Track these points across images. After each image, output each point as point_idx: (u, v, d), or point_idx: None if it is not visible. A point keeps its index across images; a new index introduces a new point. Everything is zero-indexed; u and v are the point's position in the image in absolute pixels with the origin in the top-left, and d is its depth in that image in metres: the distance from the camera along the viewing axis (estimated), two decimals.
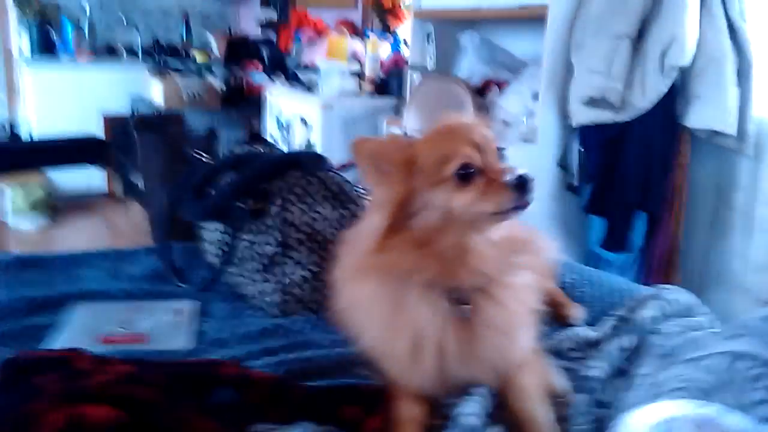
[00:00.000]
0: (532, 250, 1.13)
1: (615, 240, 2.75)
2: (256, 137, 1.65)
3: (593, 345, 1.23)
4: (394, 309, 1.02)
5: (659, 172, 2.62)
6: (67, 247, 4.54)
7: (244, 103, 5.08)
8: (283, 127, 3.97)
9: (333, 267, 1.13)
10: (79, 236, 4.70)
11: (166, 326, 1.32)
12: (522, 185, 0.93)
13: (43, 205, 4.89)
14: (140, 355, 1.17)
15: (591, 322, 1.34)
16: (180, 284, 1.51)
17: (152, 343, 1.25)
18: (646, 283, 2.80)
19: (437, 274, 0.98)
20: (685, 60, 2.38)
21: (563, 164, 2.86)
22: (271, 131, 4.22)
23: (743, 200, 2.52)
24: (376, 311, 1.05)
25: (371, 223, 1.01)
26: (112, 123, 5.23)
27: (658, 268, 2.76)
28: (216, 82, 5.03)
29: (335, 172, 1.42)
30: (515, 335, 1.05)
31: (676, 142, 2.61)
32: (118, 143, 5.06)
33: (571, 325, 1.32)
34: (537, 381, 1.07)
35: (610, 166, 2.66)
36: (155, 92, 4.98)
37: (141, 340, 1.25)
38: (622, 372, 1.15)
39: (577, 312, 1.35)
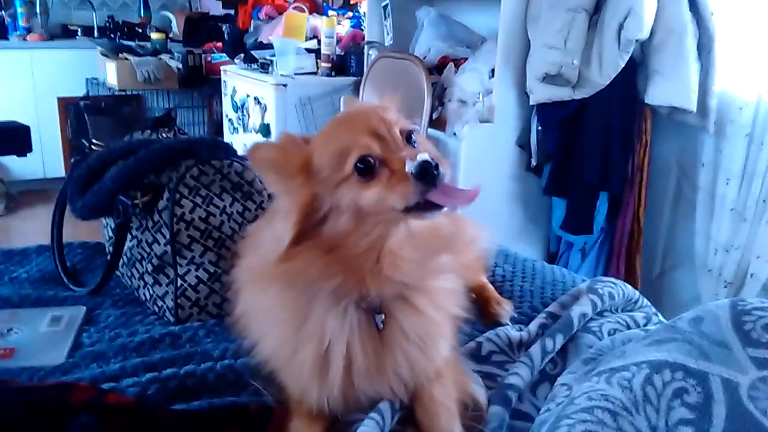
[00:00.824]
0: (457, 247, 0.99)
1: (576, 222, 2.66)
2: (162, 121, 1.47)
3: (518, 346, 1.12)
4: (299, 317, 0.90)
5: (620, 152, 2.52)
6: (22, 237, 4.41)
7: (204, 83, 4.91)
8: (239, 108, 3.82)
9: (233, 266, 1.00)
10: (34, 225, 4.53)
11: (40, 338, 1.19)
12: (425, 173, 0.78)
13: None
14: (1, 372, 1.05)
15: (520, 320, 1.23)
16: (73, 288, 1.37)
17: (19, 357, 1.12)
18: (607, 265, 2.79)
19: (345, 282, 0.86)
20: (643, 33, 2.27)
21: (522, 144, 2.76)
22: (227, 113, 4.07)
23: (706, 178, 2.43)
24: (279, 319, 0.93)
25: (276, 233, 0.88)
26: (67, 106, 5.05)
27: (620, 249, 2.68)
28: (174, 62, 4.84)
29: (237, 161, 1.28)
30: (431, 346, 0.93)
31: (636, 120, 2.51)
32: (73, 127, 4.89)
33: (498, 324, 1.21)
34: (450, 393, 0.96)
35: (569, 146, 2.57)
36: (110, 73, 4.79)
37: (6, 356, 1.12)
38: (546, 377, 1.04)
39: (504, 309, 1.24)
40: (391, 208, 0.82)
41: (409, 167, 0.80)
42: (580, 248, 2.76)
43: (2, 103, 4.90)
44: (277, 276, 0.89)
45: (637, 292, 1.26)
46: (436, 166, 0.79)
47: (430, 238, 0.90)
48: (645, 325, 1.15)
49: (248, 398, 0.98)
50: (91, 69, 5.17)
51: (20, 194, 4.92)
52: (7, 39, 5.13)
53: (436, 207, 0.81)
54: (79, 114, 4.70)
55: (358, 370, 0.90)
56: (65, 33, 5.55)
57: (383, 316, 0.90)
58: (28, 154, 2.27)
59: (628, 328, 1.13)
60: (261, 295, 0.94)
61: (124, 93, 4.82)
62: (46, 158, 5.07)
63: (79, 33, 5.55)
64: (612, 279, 1.27)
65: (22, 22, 5.16)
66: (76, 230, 1.38)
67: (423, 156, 0.80)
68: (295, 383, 0.95)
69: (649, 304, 1.26)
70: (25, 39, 5.13)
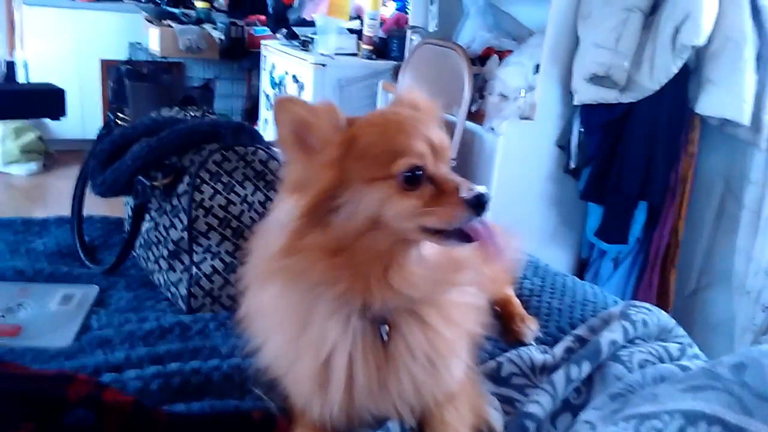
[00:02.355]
0: (477, 263, 0.93)
1: (612, 230, 2.57)
2: (189, 100, 1.42)
3: (541, 370, 1.06)
4: (300, 322, 0.85)
5: (664, 160, 2.42)
6: (57, 195, 4.46)
7: (245, 56, 4.87)
8: (277, 84, 3.78)
9: (244, 262, 0.94)
10: (69, 184, 4.54)
11: (48, 317, 1.16)
12: (480, 205, 0.76)
13: (36, 150, 4.77)
14: (4, 352, 1.03)
15: (545, 340, 1.16)
16: (88, 265, 1.34)
17: (25, 337, 1.10)
18: (639, 277, 2.69)
19: (349, 288, 0.80)
20: (700, 39, 2.16)
21: (562, 145, 2.67)
22: (264, 88, 4.03)
23: (753, 196, 2.32)
24: (280, 323, 0.88)
25: (282, 212, 0.83)
26: (109, 68, 5.07)
27: (655, 262, 2.58)
28: (216, 32, 4.81)
29: (263, 148, 1.23)
30: (440, 367, 0.87)
31: (684, 129, 2.41)
32: (113, 90, 4.91)
33: (521, 343, 1.15)
34: (464, 417, 0.90)
35: (610, 150, 2.47)
36: (152, 39, 4.78)
37: (12, 333, 1.10)
38: (568, 406, 0.98)
39: (529, 328, 1.17)
40: (420, 226, 0.77)
41: (466, 193, 0.76)
42: (613, 257, 2.67)
43: (46, 62, 4.95)
44: (280, 272, 0.84)
45: (673, 321, 1.19)
46: (488, 202, 0.77)
47: (448, 257, 0.85)
48: (679, 358, 1.08)
49: (252, 404, 0.94)
50: (134, 33, 5.18)
51: (58, 153, 4.96)
52: None
53: (466, 240, 0.78)
54: (119, 78, 4.71)
55: (360, 386, 0.84)
56: None
57: (387, 327, 0.85)
58: (62, 118, 2.24)
59: (660, 359, 1.05)
60: (263, 295, 0.89)
61: (165, 60, 4.82)
62: (86, 119, 5.10)
63: None
64: (647, 305, 1.19)
65: None
66: (99, 202, 1.35)
67: (481, 188, 0.77)
68: (297, 394, 0.90)
69: (685, 334, 1.18)
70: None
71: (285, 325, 0.87)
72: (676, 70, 2.24)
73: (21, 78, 5.12)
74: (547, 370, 1.06)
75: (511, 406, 0.99)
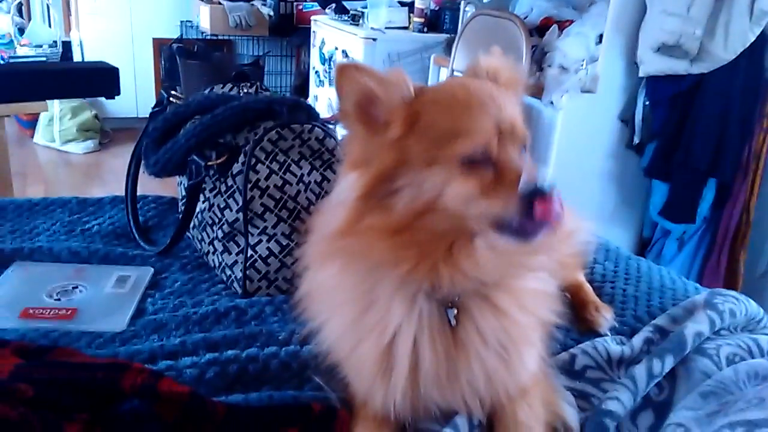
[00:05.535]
0: (552, 245, 0.86)
1: (678, 208, 2.46)
2: (242, 76, 1.36)
3: (618, 363, 0.98)
4: (363, 300, 0.79)
5: (736, 136, 2.29)
6: (113, 173, 4.53)
7: (294, 32, 4.84)
8: (326, 60, 3.73)
9: (302, 242, 0.89)
10: (125, 162, 4.61)
11: (103, 299, 1.14)
12: (536, 198, 0.66)
13: (92, 128, 4.86)
14: (60, 335, 1.01)
15: (621, 330, 1.08)
16: (143, 245, 1.32)
17: (80, 320, 1.08)
18: (706, 258, 2.56)
19: (414, 270, 0.74)
20: None
21: (625, 119, 2.55)
22: (314, 64, 3.99)
23: None
24: (340, 303, 0.82)
25: (344, 189, 0.77)
26: (162, 47, 5.10)
27: (723, 242, 2.45)
28: (265, 9, 4.78)
29: (320, 126, 1.17)
30: (514, 355, 0.80)
31: (759, 102, 2.26)
32: (165, 69, 4.93)
33: (596, 333, 1.07)
34: (537, 414, 0.84)
35: (679, 125, 2.35)
36: (203, 17, 4.79)
37: (67, 317, 1.08)
38: (649, 403, 0.91)
39: (604, 316, 1.09)
40: (478, 213, 0.70)
41: (525, 186, 0.67)
42: (678, 237, 2.55)
43: (100, 42, 5.02)
44: (339, 252, 0.78)
45: (762, 311, 1.09)
46: (549, 197, 0.67)
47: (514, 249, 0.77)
48: None
49: (311, 394, 0.89)
50: (185, 12, 5.20)
51: (113, 131, 5.04)
52: None
53: (520, 237, 0.70)
54: (171, 56, 4.72)
55: (426, 373, 0.78)
56: None
57: (456, 311, 0.78)
58: (116, 97, 2.23)
59: (750, 353, 0.97)
60: (323, 273, 0.84)
61: (215, 37, 4.82)
62: (140, 97, 5.15)
63: None
64: (733, 293, 1.10)
65: None
66: (155, 181, 1.32)
67: (543, 181, 0.68)
68: (358, 380, 0.85)
69: None
70: None
71: (346, 305, 0.81)
72: (752, 38, 2.11)
73: (77, 57, 5.20)
74: (625, 363, 0.98)
75: (587, 402, 0.92)
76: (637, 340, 1.02)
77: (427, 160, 0.71)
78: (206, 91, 1.30)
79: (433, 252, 0.73)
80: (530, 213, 0.66)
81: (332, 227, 0.76)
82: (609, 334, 1.07)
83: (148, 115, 1.40)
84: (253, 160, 1.13)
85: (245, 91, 1.31)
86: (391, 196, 0.73)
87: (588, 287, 1.17)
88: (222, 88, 1.34)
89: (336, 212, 0.77)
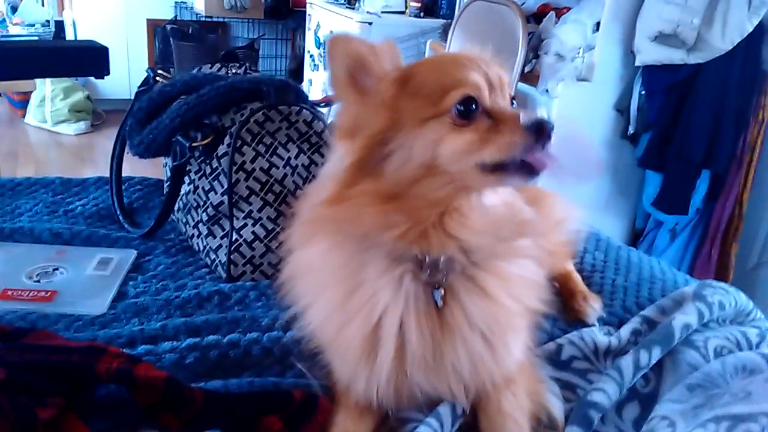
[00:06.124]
0: (538, 233, 0.84)
1: (671, 199, 2.44)
2: (231, 56, 1.33)
3: (605, 354, 0.97)
4: (350, 280, 0.77)
5: (731, 127, 2.28)
6: (106, 155, 4.50)
7: (289, 15, 4.79)
8: (322, 44, 3.69)
9: (288, 227, 0.87)
10: None
11: (84, 281, 1.12)
12: (542, 131, 0.67)
13: (84, 109, 4.81)
14: (38, 318, 0.99)
15: (609, 321, 1.07)
16: (127, 228, 1.29)
17: (59, 302, 1.06)
18: (697, 250, 2.55)
19: (405, 234, 0.72)
20: None
21: (621, 109, 2.53)
22: (309, 48, 3.95)
23: None
24: (326, 283, 0.80)
25: (334, 162, 0.76)
26: (155, 28, 5.05)
27: (716, 234, 2.44)
28: None
29: (308, 108, 1.14)
30: (500, 341, 0.79)
31: (756, 93, 2.24)
32: (158, 50, 4.89)
33: (583, 323, 1.06)
34: (522, 404, 0.83)
35: (674, 115, 2.33)
36: None
37: (47, 299, 1.06)
38: (635, 395, 0.90)
39: (592, 306, 1.08)
40: (476, 165, 0.69)
41: (525, 120, 0.68)
42: (670, 228, 2.55)
43: (94, 21, 4.96)
44: (326, 222, 0.76)
45: (752, 303, 1.08)
46: (551, 128, 0.67)
47: (506, 218, 0.77)
48: (758, 344, 0.97)
49: (293, 381, 0.87)
50: None
51: (106, 113, 4.99)
52: None
53: (530, 173, 0.69)
54: (165, 37, 4.68)
55: (412, 356, 0.77)
56: None
57: (443, 292, 0.77)
58: (108, 78, 2.19)
59: (738, 346, 0.96)
60: (308, 251, 0.82)
61: (210, 19, 4.77)
62: (133, 79, 5.09)
63: None
64: (723, 285, 1.09)
65: None
66: (142, 163, 1.30)
67: (542, 113, 0.68)
68: (342, 365, 0.83)
69: (763, 317, 1.08)
70: None
71: (332, 286, 0.79)
72: (750, 29, 2.08)
73: (69, 37, 5.14)
74: (612, 354, 0.97)
75: (572, 393, 0.91)
76: (625, 331, 1.01)
77: (420, 118, 0.70)
78: (194, 71, 1.27)
79: (423, 218, 0.72)
80: (538, 144, 0.67)
81: (321, 197, 0.75)
82: (597, 324, 1.06)
83: (136, 90, 1.37)
84: (239, 142, 1.10)
85: (233, 71, 1.28)
86: (384, 161, 0.72)
87: (577, 276, 1.15)
88: (210, 68, 1.31)
89: (326, 185, 0.75)
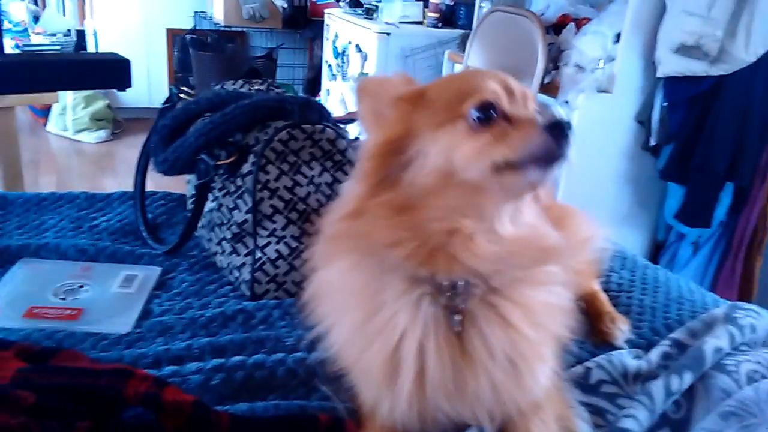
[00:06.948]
0: (568, 255, 0.83)
1: (694, 212, 2.42)
2: (254, 72, 1.34)
3: (635, 378, 0.95)
4: (371, 301, 0.76)
5: (755, 139, 2.25)
6: (125, 163, 4.53)
7: (307, 25, 4.82)
8: (339, 54, 3.70)
9: (312, 245, 0.87)
10: (137, 153, 4.63)
11: (109, 299, 1.12)
12: (559, 129, 0.66)
13: (104, 118, 4.86)
14: (64, 336, 0.99)
15: (638, 343, 1.05)
16: (151, 244, 1.30)
17: (84, 321, 1.06)
18: (720, 263, 2.51)
19: (413, 254, 0.71)
20: None
21: (642, 120, 2.51)
22: (327, 58, 3.96)
23: None
24: (349, 302, 0.79)
25: (352, 180, 0.78)
26: (175, 38, 5.10)
27: (739, 247, 2.41)
28: (279, 1, 4.76)
29: (331, 126, 1.14)
30: (525, 372, 0.77)
31: None
32: (178, 59, 4.93)
33: (611, 345, 1.04)
34: (551, 430, 0.81)
35: (696, 127, 2.31)
36: (216, 8, 4.78)
37: (73, 317, 1.06)
38: (666, 421, 0.88)
39: (620, 328, 1.06)
40: (490, 165, 0.67)
41: (540, 119, 0.68)
42: (692, 241, 2.52)
43: (114, 31, 5.01)
44: (345, 238, 0.76)
45: None
46: (569, 126, 0.67)
47: (526, 244, 0.74)
48: None
49: (318, 404, 0.87)
50: (200, 2, 5.20)
51: (126, 121, 5.04)
52: None
53: (549, 162, 0.67)
54: (184, 47, 4.72)
55: (432, 380, 0.75)
56: None
57: (461, 317, 0.75)
58: (127, 89, 2.20)
59: None
60: (330, 271, 0.81)
61: (228, 29, 4.81)
62: (153, 88, 5.16)
63: None
64: (754, 307, 1.07)
65: None
66: (163, 176, 1.31)
67: (558, 113, 0.68)
68: (365, 388, 0.82)
69: None
70: None
71: (353, 307, 0.78)
72: None
73: (90, 47, 5.20)
74: (642, 378, 0.95)
75: (601, 418, 0.89)
76: (655, 355, 0.99)
77: (437, 121, 0.71)
78: (217, 89, 1.28)
79: (430, 236, 0.71)
80: (555, 141, 0.66)
81: (342, 210, 0.76)
82: (625, 346, 1.04)
83: (160, 107, 1.38)
84: (263, 161, 1.10)
85: (256, 88, 1.29)
86: (403, 170, 0.72)
87: (603, 296, 1.14)
88: (233, 84, 1.31)
89: (348, 200, 0.76)
